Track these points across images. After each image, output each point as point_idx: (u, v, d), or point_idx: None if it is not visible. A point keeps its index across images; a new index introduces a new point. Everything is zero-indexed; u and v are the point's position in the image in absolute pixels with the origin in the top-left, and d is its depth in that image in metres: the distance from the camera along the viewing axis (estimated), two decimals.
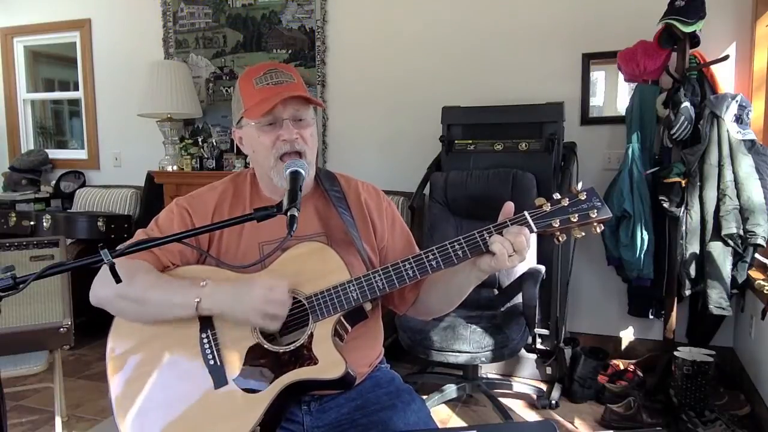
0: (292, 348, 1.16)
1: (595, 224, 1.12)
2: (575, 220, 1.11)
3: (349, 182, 1.40)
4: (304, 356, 1.16)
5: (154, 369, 1.18)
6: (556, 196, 1.13)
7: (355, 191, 1.38)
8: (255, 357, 1.17)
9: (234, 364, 1.17)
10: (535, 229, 1.11)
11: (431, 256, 1.15)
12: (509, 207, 1.14)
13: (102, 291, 1.22)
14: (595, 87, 3.12)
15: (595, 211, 1.11)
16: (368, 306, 1.21)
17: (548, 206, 1.12)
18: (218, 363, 1.17)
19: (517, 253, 1.10)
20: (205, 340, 1.18)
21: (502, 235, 1.10)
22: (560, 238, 1.13)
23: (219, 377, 1.16)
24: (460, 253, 1.14)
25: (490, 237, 1.11)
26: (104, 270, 1.21)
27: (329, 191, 1.34)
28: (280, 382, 1.14)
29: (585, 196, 1.12)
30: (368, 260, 1.29)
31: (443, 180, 2.89)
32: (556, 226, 1.11)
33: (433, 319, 2.41)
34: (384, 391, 1.31)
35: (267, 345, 1.17)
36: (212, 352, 1.18)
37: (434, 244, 1.17)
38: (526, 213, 1.12)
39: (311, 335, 1.16)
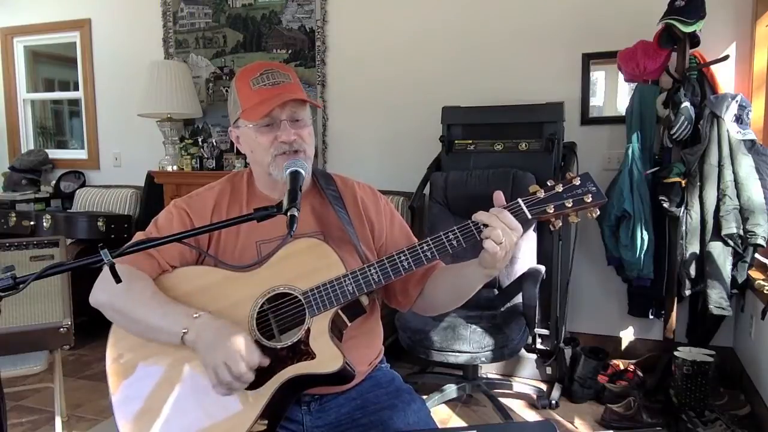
0: (289, 344, 1.16)
1: (590, 209, 1.12)
2: (570, 205, 1.11)
3: (346, 182, 1.41)
4: (301, 351, 1.16)
5: (154, 371, 1.19)
6: (550, 182, 1.13)
7: (352, 190, 1.39)
8: None
9: None
10: (529, 216, 1.11)
11: (425, 247, 1.15)
12: (499, 196, 1.13)
13: (101, 296, 1.22)
14: (595, 87, 3.12)
15: (590, 195, 1.11)
16: (365, 300, 1.21)
17: (542, 193, 1.12)
18: None
19: (511, 228, 1.08)
20: None
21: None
22: (556, 225, 1.13)
23: None
24: (454, 242, 1.14)
25: (484, 225, 1.10)
26: (105, 273, 1.21)
27: (325, 190, 1.35)
28: (279, 378, 1.14)
29: (579, 182, 1.12)
30: (365, 257, 1.29)
31: (443, 180, 2.90)
32: (551, 212, 1.11)
33: (433, 319, 2.43)
34: (384, 391, 1.32)
35: (265, 342, 1.17)
36: None
37: None
38: (519, 200, 1.12)
39: (308, 330, 1.16)
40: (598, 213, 1.13)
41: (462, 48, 3.29)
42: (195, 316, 1.14)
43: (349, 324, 1.23)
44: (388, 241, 1.37)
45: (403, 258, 1.16)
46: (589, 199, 1.11)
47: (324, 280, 1.17)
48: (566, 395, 2.74)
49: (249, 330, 1.18)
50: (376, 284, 1.17)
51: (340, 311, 1.19)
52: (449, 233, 1.14)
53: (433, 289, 1.31)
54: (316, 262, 1.20)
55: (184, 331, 1.13)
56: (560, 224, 1.14)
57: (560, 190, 1.12)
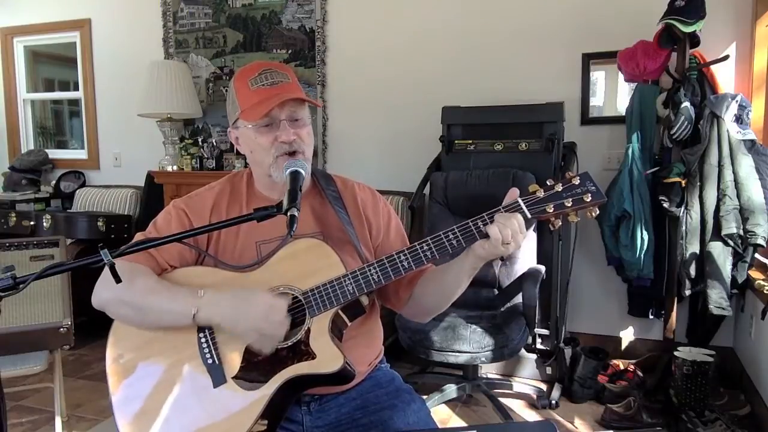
0: (289, 344, 1.16)
1: (590, 208, 1.12)
2: (569, 204, 1.11)
3: (345, 183, 1.41)
4: (301, 351, 1.16)
5: (154, 371, 1.19)
6: (550, 182, 1.13)
7: (351, 191, 1.39)
8: (253, 355, 1.17)
9: (232, 362, 1.17)
10: (529, 215, 1.12)
11: (425, 247, 1.15)
12: (514, 193, 1.14)
13: (104, 294, 1.22)
14: (595, 87, 3.12)
15: (589, 195, 1.11)
16: (365, 300, 1.21)
17: (542, 192, 1.12)
18: (216, 362, 1.17)
19: (512, 240, 1.09)
20: (203, 340, 1.19)
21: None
22: (555, 224, 1.14)
23: (217, 376, 1.17)
24: (454, 242, 1.14)
25: (484, 225, 1.11)
26: (106, 273, 1.21)
27: (325, 190, 1.35)
28: (279, 378, 1.15)
29: (578, 181, 1.12)
30: (365, 257, 1.29)
31: (443, 180, 2.90)
32: (551, 211, 1.11)
33: (433, 318, 2.43)
34: (384, 391, 1.32)
35: None
36: (210, 352, 1.18)
37: None
38: (519, 199, 1.13)
39: (308, 330, 1.17)
40: (598, 212, 1.14)
41: (462, 48, 3.29)
42: (200, 294, 1.16)
43: (349, 324, 1.23)
44: (383, 242, 1.37)
45: (402, 258, 1.16)
46: (588, 198, 1.11)
47: (324, 280, 1.17)
48: (566, 395, 2.74)
49: None
50: (376, 284, 1.17)
51: (340, 311, 1.19)
52: (449, 233, 1.14)
53: (422, 290, 1.30)
54: (316, 263, 1.20)
55: (194, 311, 1.15)
56: (560, 224, 1.14)
57: (560, 190, 1.12)
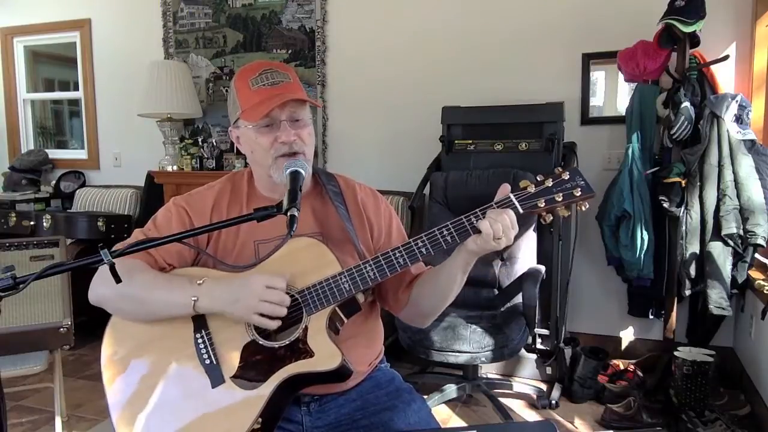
0: (287, 343, 1.16)
1: (580, 202, 1.14)
2: (560, 199, 1.13)
3: (347, 182, 1.41)
4: (299, 350, 1.16)
5: (150, 372, 1.19)
6: (540, 177, 1.15)
7: (353, 191, 1.39)
8: (251, 354, 1.17)
9: (230, 362, 1.17)
10: (521, 211, 1.13)
11: (420, 243, 1.16)
12: (506, 188, 1.16)
13: (101, 289, 1.22)
14: (595, 87, 3.12)
15: (579, 189, 1.13)
16: (361, 297, 1.22)
17: (533, 187, 1.14)
18: (214, 362, 1.17)
19: (503, 235, 1.11)
20: (200, 340, 1.19)
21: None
22: (546, 219, 1.16)
23: (215, 376, 1.17)
24: (448, 238, 1.15)
25: (477, 220, 1.12)
26: (102, 269, 1.21)
27: (326, 185, 1.35)
28: (277, 377, 1.15)
29: (568, 176, 1.14)
30: (363, 255, 1.28)
31: (443, 180, 2.90)
32: (542, 206, 1.14)
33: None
34: (384, 391, 1.32)
35: (262, 341, 1.17)
36: (207, 352, 1.18)
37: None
38: (511, 195, 1.14)
39: (306, 329, 1.17)
40: (588, 206, 1.16)
41: (462, 48, 3.29)
42: (198, 283, 1.16)
43: (346, 321, 1.23)
44: (385, 243, 1.37)
45: (398, 254, 1.17)
46: (578, 192, 1.13)
47: (320, 278, 1.18)
48: (566, 395, 2.74)
49: (246, 330, 1.18)
50: (372, 281, 1.17)
51: (337, 309, 1.20)
52: (443, 229, 1.15)
53: (419, 291, 1.30)
54: (312, 262, 1.20)
55: (194, 299, 1.15)
56: (551, 218, 1.16)
57: (550, 185, 1.14)
